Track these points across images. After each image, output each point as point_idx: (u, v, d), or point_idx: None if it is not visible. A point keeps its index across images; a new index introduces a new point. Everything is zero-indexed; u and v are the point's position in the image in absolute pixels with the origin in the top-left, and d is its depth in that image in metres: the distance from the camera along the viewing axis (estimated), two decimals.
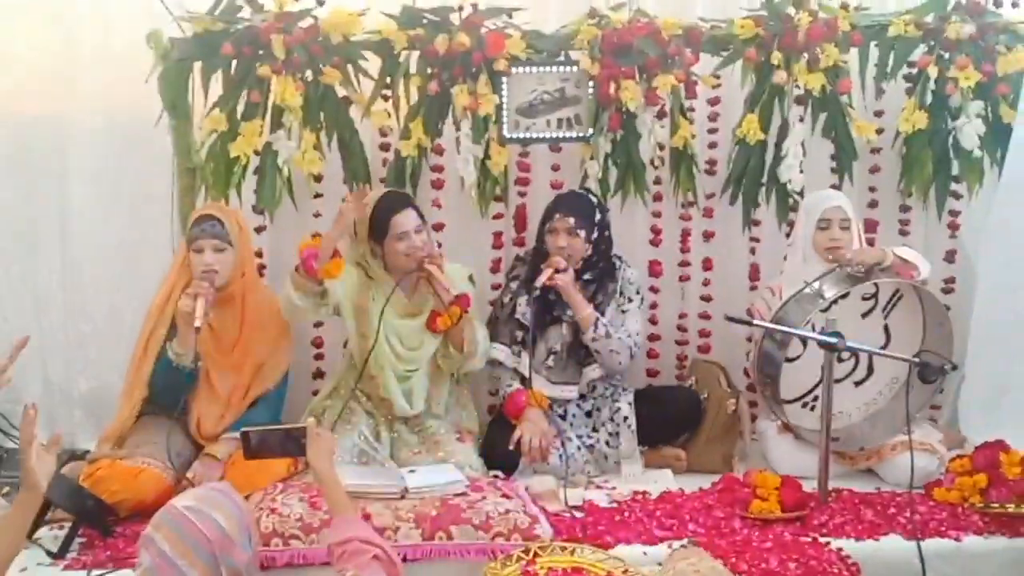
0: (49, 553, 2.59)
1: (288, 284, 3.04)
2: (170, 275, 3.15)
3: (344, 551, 2.18)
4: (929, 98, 3.49)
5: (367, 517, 2.52)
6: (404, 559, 2.56)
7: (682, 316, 3.72)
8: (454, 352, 3.21)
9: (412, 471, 2.88)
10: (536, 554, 2.54)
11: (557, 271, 3.20)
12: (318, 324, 3.57)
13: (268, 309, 3.21)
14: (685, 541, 2.68)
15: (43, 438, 3.53)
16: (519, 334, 3.34)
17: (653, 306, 3.67)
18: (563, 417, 3.35)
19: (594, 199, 3.37)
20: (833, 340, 2.86)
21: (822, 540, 2.67)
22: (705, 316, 3.70)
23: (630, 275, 3.42)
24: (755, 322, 3.11)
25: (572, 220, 3.26)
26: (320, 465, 2.38)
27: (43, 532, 2.65)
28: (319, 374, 3.57)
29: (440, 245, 3.46)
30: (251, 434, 2.51)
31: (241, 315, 3.14)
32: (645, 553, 2.66)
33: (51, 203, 3.53)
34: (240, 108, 3.27)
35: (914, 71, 3.53)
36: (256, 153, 3.28)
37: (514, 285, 3.41)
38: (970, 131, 3.45)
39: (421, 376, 3.23)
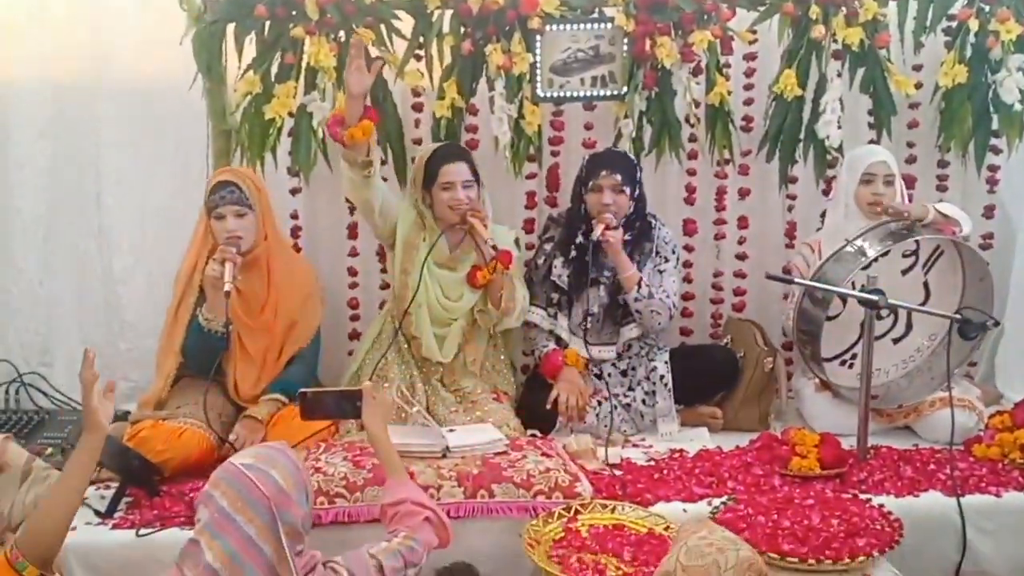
0: (97, 512, 2.63)
1: (340, 160, 3.07)
2: (193, 243, 3.16)
3: (397, 512, 2.20)
4: (969, 52, 3.45)
5: (410, 476, 2.54)
6: (447, 516, 2.59)
7: (717, 275, 3.71)
8: (491, 308, 3.22)
9: (452, 430, 2.90)
10: (577, 511, 2.57)
11: (608, 228, 3.18)
12: (353, 286, 3.58)
13: (294, 268, 3.23)
14: (725, 498, 2.69)
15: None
16: (555, 296, 3.35)
17: (688, 265, 3.66)
18: (599, 376, 3.36)
19: (632, 157, 3.35)
20: (875, 298, 2.85)
21: (862, 497, 2.67)
22: (740, 275, 3.69)
23: (665, 234, 3.40)
24: (796, 280, 3.09)
25: (619, 176, 3.24)
26: (375, 428, 2.40)
27: (90, 491, 2.68)
28: (355, 335, 3.59)
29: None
30: (308, 395, 2.53)
31: (267, 277, 3.14)
32: (685, 511, 2.68)
33: (87, 168, 3.55)
34: (274, 70, 3.26)
35: (954, 24, 3.48)
36: (290, 115, 3.28)
37: (547, 247, 3.40)
38: (1010, 85, 3.39)
39: (456, 328, 3.25)
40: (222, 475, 1.97)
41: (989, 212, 3.66)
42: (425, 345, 3.22)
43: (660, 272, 3.34)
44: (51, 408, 3.47)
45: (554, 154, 3.57)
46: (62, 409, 3.47)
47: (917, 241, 3.15)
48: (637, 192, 3.30)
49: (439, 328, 3.24)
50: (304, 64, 3.26)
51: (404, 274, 3.21)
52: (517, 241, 3.36)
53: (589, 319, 3.32)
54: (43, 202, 3.57)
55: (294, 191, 3.46)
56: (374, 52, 3.27)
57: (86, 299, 3.62)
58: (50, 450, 3.02)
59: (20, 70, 3.48)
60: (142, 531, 2.55)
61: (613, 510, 2.59)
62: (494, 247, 3.11)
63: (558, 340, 3.34)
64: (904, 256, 3.19)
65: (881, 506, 2.60)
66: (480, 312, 3.25)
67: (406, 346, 3.27)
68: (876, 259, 3.08)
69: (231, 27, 3.26)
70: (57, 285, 3.62)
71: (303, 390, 2.55)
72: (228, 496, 1.93)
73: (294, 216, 3.50)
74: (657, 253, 3.37)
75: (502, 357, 3.41)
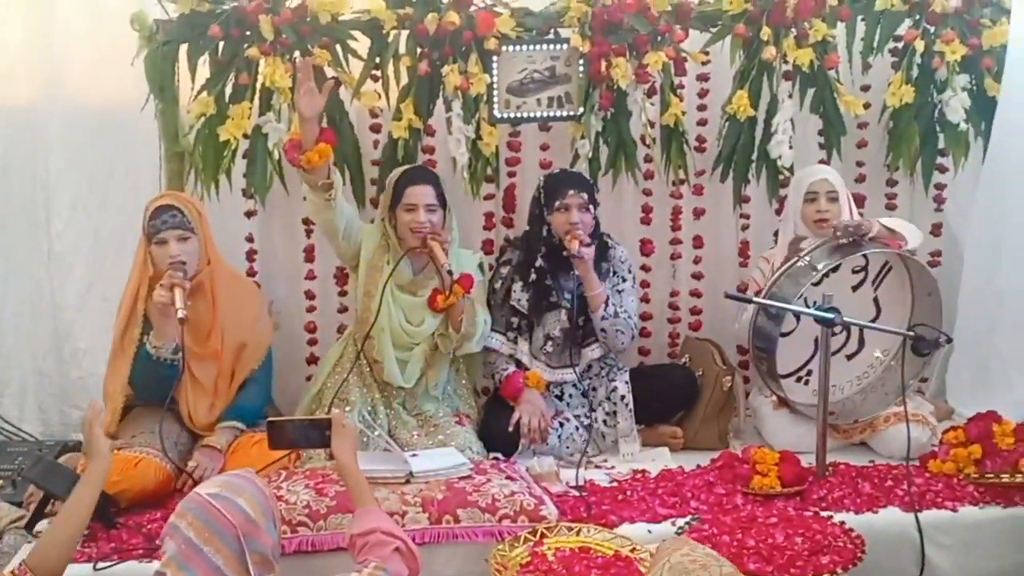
0: None
1: (302, 183, 3.09)
2: (133, 273, 3.07)
3: (367, 542, 2.18)
4: (915, 72, 3.52)
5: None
6: (413, 542, 2.56)
7: (674, 294, 3.74)
8: (452, 332, 3.20)
9: (415, 455, 2.88)
10: (543, 535, 2.56)
11: (582, 244, 3.17)
12: (311, 309, 3.55)
13: (239, 291, 3.18)
14: (689, 518, 2.71)
15: (35, 428, 3.54)
16: (514, 320, 3.34)
17: (645, 284, 3.68)
18: (559, 397, 3.36)
19: (588, 177, 3.38)
20: (830, 316, 2.88)
21: (824, 514, 2.70)
22: (696, 294, 3.73)
23: (621, 253, 3.42)
24: (753, 299, 3.12)
25: (585, 196, 3.25)
26: (344, 457, 2.38)
27: (44, 525, 2.62)
28: (313, 359, 3.55)
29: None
30: (275, 424, 2.49)
31: (212, 302, 3.07)
32: (650, 531, 2.68)
33: (37, 192, 3.48)
34: (228, 91, 3.23)
35: (900, 45, 3.55)
36: (245, 136, 3.24)
37: (504, 270, 3.39)
38: (956, 104, 3.47)
39: (419, 352, 3.23)
40: (188, 505, 1.94)
41: (936, 230, 3.74)
42: (387, 370, 3.19)
43: (619, 292, 3.35)
44: (0, 440, 3.38)
45: (511, 175, 3.57)
46: (11, 440, 3.37)
47: (866, 256, 3.19)
48: (595, 212, 3.32)
49: (401, 352, 3.21)
50: (259, 85, 3.22)
51: (367, 297, 3.19)
52: (481, 266, 3.35)
53: (550, 343, 3.32)
54: None
55: (249, 213, 3.43)
56: (329, 72, 3.26)
57: (37, 327, 3.54)
58: (0, 482, 2.94)
59: None
60: (99, 565, 2.49)
61: (579, 532, 2.59)
62: (450, 272, 3.10)
63: (519, 364, 3.33)
64: (854, 272, 3.24)
65: (842, 523, 2.63)
66: (441, 336, 3.23)
67: (368, 369, 3.24)
68: (827, 274, 3.13)
69: (184, 48, 3.22)
70: (7, 313, 3.54)
71: (270, 419, 2.52)
72: (195, 527, 1.90)
73: (249, 239, 3.46)
74: (614, 273, 3.38)
75: (464, 381, 3.39)
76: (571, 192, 3.25)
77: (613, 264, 3.39)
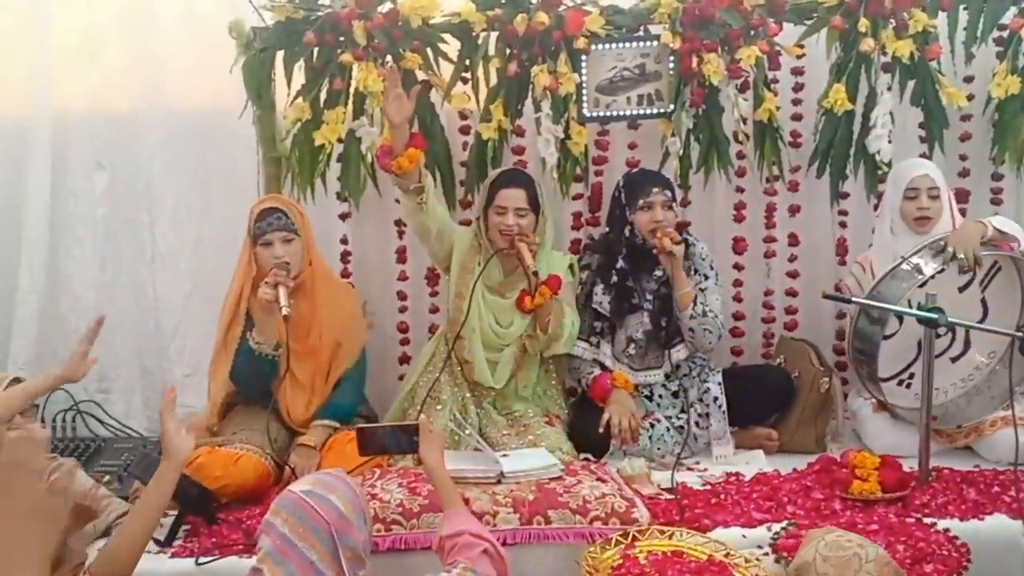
0: (156, 541, 2.63)
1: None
2: (237, 273, 3.18)
3: (456, 544, 2.19)
4: (1022, 62, 3.39)
5: (466, 502, 2.53)
6: (503, 543, 2.56)
7: (768, 293, 3.67)
8: (539, 333, 3.20)
9: (505, 455, 2.89)
10: (635, 538, 2.54)
11: (673, 241, 3.14)
12: (403, 310, 3.59)
13: (337, 291, 3.25)
14: (786, 523, 2.65)
15: (140, 424, 3.65)
16: (597, 324, 3.32)
17: (738, 284, 3.62)
18: (649, 398, 3.33)
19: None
20: (934, 316, 2.79)
21: (926, 521, 2.62)
22: (792, 293, 3.65)
23: (701, 250, 3.37)
24: (854, 299, 3.04)
25: (669, 193, 3.23)
26: (432, 461, 2.40)
27: None
28: (405, 359, 3.59)
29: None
30: (365, 430, 2.53)
31: (313, 302, 3.15)
32: (744, 536, 2.64)
33: (141, 196, 3.59)
34: (323, 96, 3.28)
35: (1005, 34, 3.42)
36: (340, 141, 3.30)
37: (584, 275, 3.37)
38: None
39: (508, 354, 3.24)
40: (282, 503, 1.99)
41: None
42: (477, 370, 3.21)
43: (702, 290, 3.30)
44: (107, 436, 3.50)
45: (597, 174, 3.55)
46: (118, 437, 3.50)
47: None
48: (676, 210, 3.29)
49: (491, 353, 3.23)
50: (352, 90, 3.27)
51: (458, 298, 3.22)
52: (572, 267, 3.34)
53: (632, 345, 3.30)
54: (100, 231, 3.62)
55: (343, 216, 3.49)
56: (420, 75, 3.29)
57: (143, 326, 3.66)
58: (107, 478, 3.04)
59: (75, 102, 3.55)
60: (201, 560, 2.56)
61: (671, 536, 2.56)
62: (535, 273, 3.10)
63: (603, 367, 3.31)
64: (961, 273, 3.13)
65: (947, 530, 2.54)
66: (529, 338, 3.23)
67: (459, 369, 3.27)
68: (933, 276, 3.03)
69: (280, 54, 3.28)
70: (114, 313, 3.65)
71: (360, 426, 2.55)
72: (289, 523, 1.95)
73: (344, 241, 3.52)
74: (696, 271, 3.33)
75: (553, 381, 3.39)
76: (655, 190, 3.22)
77: (694, 262, 3.34)
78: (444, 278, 3.34)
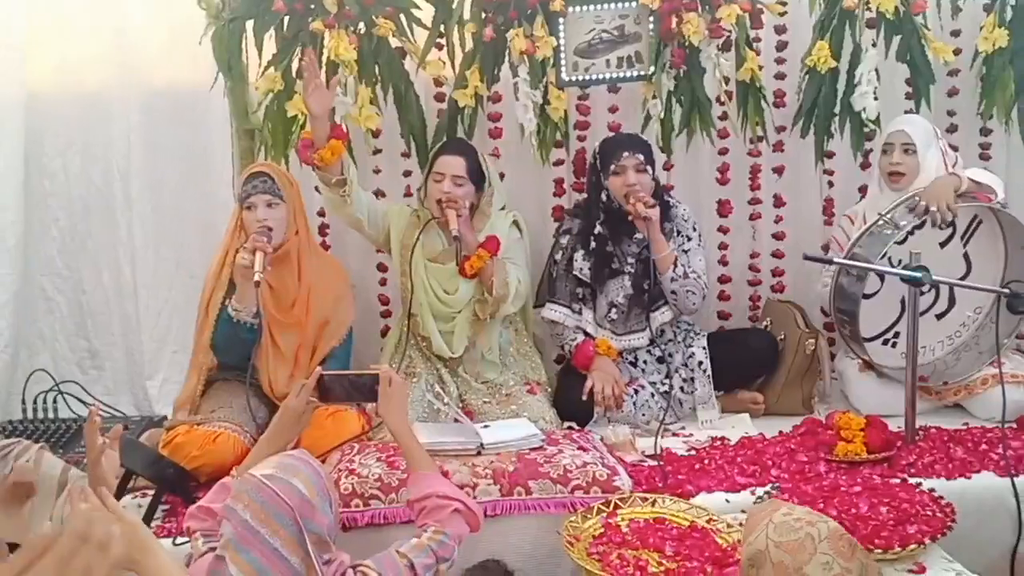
0: None
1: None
2: (225, 238, 3.15)
3: (424, 507, 2.17)
4: (1009, 14, 3.34)
5: (446, 475, 2.50)
6: (484, 515, 2.54)
7: (754, 256, 3.63)
8: (487, 296, 3.17)
9: (486, 426, 2.86)
10: (616, 506, 2.51)
11: (647, 205, 3.10)
12: (383, 282, 3.56)
13: (326, 267, 3.21)
14: (769, 487, 2.63)
15: (127, 406, 3.59)
16: (579, 291, 3.28)
17: (723, 246, 3.58)
18: (634, 364, 3.29)
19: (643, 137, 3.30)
20: (918, 276, 2.75)
21: (912, 481, 2.59)
22: (778, 255, 3.61)
23: (683, 212, 3.32)
24: (834, 260, 2.99)
25: (641, 156, 3.18)
26: (392, 418, 2.35)
27: (127, 500, 2.67)
28: (387, 331, 3.55)
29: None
30: (326, 378, 2.45)
31: (298, 272, 3.12)
32: (728, 501, 2.61)
33: (117, 175, 3.52)
34: (295, 66, 3.22)
35: None
36: None
37: (564, 240, 3.33)
38: None
39: (462, 320, 3.22)
40: (244, 487, 1.93)
41: None
42: (435, 344, 3.20)
43: (685, 252, 3.26)
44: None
45: (580, 139, 3.50)
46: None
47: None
48: (654, 172, 3.24)
49: (444, 324, 3.21)
50: (325, 58, 3.21)
51: (404, 276, 3.20)
52: (516, 223, 3.29)
53: (614, 310, 3.26)
54: (77, 211, 3.57)
55: (319, 187, 3.43)
56: (394, 42, 3.22)
57: (124, 306, 3.61)
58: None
59: (47, 81, 3.47)
60: (179, 540, 2.53)
61: (653, 503, 2.53)
62: (456, 237, 3.06)
63: (585, 334, 3.27)
64: (936, 228, 3.08)
65: (932, 491, 2.51)
66: (478, 302, 3.20)
67: (424, 345, 3.25)
68: (911, 232, 2.98)
69: (250, 24, 3.22)
70: (98, 293, 3.62)
71: (322, 372, 2.46)
72: (251, 509, 1.89)
73: (321, 213, 3.48)
74: (679, 232, 3.29)
75: (526, 340, 3.36)
76: (625, 154, 3.17)
77: (676, 223, 3.29)
78: (388, 260, 3.30)
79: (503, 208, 3.30)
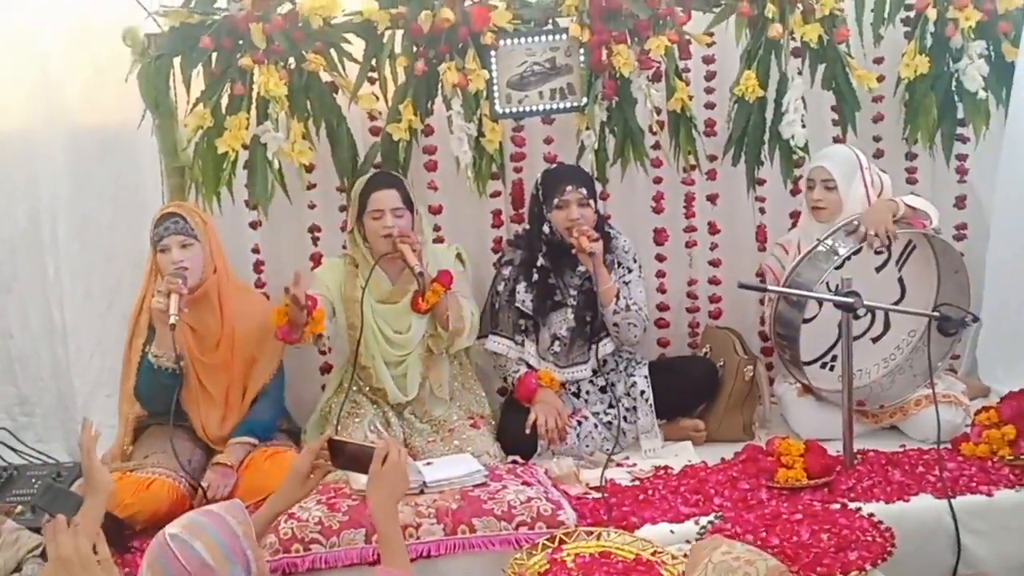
0: None
1: None
2: (142, 284, 3.08)
3: None
4: (929, 41, 3.41)
5: None
6: (427, 555, 2.52)
7: (691, 283, 3.65)
8: (441, 331, 3.14)
9: (429, 463, 2.83)
10: (562, 541, 2.50)
11: (590, 239, 3.10)
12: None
13: (249, 303, 3.16)
14: (712, 516, 2.63)
15: (60, 452, 3.49)
16: (521, 322, 3.27)
17: (661, 275, 3.60)
18: (576, 395, 3.29)
19: (585, 169, 3.31)
20: (850, 300, 2.79)
21: (852, 506, 2.62)
22: (715, 281, 3.63)
23: (624, 243, 3.34)
24: (770, 288, 3.03)
25: (584, 191, 3.18)
26: (375, 498, 2.19)
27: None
28: (327, 367, 3.49)
29: (438, 228, 3.41)
30: (335, 443, 2.35)
31: (219, 312, 3.06)
32: (672, 531, 2.62)
33: (45, 217, 3.42)
34: (224, 102, 3.17)
35: (912, 14, 3.45)
36: (244, 147, 3.18)
37: (507, 271, 3.31)
38: (973, 72, 3.37)
39: (414, 360, 3.18)
40: (153, 546, 1.87)
41: (960, 202, 3.64)
42: (391, 395, 3.16)
43: (626, 283, 3.27)
44: (20, 463, 3.35)
45: (517, 170, 3.50)
46: (32, 464, 3.35)
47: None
48: (595, 204, 3.25)
49: (395, 369, 3.17)
50: (255, 94, 3.17)
51: (352, 329, 3.15)
52: (460, 256, 3.29)
53: (556, 342, 3.26)
54: (2, 253, 3.46)
55: (254, 224, 3.38)
56: (325, 77, 3.20)
57: (55, 349, 3.50)
58: (19, 508, 2.91)
59: None
60: None
61: (599, 537, 2.52)
62: (421, 273, 3.03)
63: (528, 366, 3.26)
64: (876, 253, 3.14)
65: (871, 515, 2.54)
66: (432, 337, 3.17)
67: (368, 388, 3.21)
68: (849, 257, 3.03)
69: (177, 61, 3.17)
70: (26, 337, 3.51)
71: (330, 437, 2.39)
72: (153, 569, 1.83)
73: (255, 250, 3.42)
74: (619, 264, 3.30)
75: (470, 373, 3.33)
76: (568, 188, 3.18)
77: (617, 255, 3.31)
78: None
79: (444, 245, 3.28)
